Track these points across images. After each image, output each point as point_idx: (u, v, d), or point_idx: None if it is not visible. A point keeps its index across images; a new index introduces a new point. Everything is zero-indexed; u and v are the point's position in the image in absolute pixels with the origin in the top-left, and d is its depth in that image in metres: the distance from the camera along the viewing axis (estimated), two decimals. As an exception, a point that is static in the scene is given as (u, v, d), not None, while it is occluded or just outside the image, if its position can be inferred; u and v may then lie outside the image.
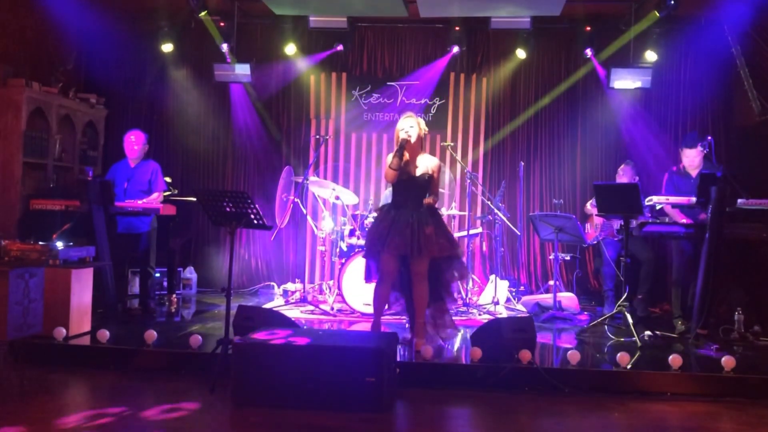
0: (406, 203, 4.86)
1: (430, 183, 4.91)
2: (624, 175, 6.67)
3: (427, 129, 5.03)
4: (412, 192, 4.87)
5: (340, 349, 3.95)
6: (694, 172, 5.83)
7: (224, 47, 7.42)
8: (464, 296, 6.67)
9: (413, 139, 4.84)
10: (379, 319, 4.96)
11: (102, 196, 5.78)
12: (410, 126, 4.85)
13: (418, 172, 4.86)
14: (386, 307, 5.19)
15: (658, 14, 6.86)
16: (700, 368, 4.62)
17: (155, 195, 6.14)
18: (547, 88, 7.90)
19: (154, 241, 6.22)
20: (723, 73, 7.31)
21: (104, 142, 7.97)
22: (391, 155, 4.86)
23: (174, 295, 6.52)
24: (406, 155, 4.84)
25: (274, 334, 4.24)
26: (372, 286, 5.16)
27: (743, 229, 5.38)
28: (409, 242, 4.71)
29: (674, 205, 5.69)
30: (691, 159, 5.84)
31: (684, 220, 5.65)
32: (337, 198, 6.94)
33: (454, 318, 5.24)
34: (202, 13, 7.24)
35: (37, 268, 4.97)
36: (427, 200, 4.91)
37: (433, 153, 7.99)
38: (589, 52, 7.38)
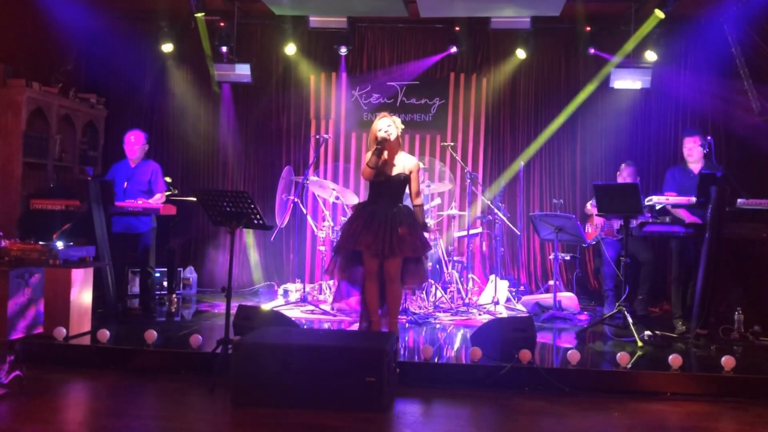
0: (382, 202, 4.86)
1: (406, 182, 4.91)
2: (624, 175, 6.66)
3: (402, 126, 5.02)
4: (389, 191, 4.88)
5: (340, 349, 3.95)
6: (695, 167, 5.81)
7: (223, 50, 7.46)
8: (464, 296, 6.69)
9: (392, 138, 4.85)
10: (377, 317, 4.93)
11: (102, 196, 5.78)
12: (387, 125, 4.85)
13: (395, 172, 4.87)
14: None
15: (663, 14, 6.84)
16: (700, 368, 4.63)
17: (158, 196, 6.12)
18: (546, 88, 7.91)
19: (154, 241, 6.21)
20: (723, 73, 7.30)
21: (104, 142, 7.98)
22: (369, 153, 4.84)
23: (174, 295, 6.52)
24: (385, 154, 4.84)
25: (274, 334, 4.24)
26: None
27: (743, 228, 5.38)
28: (381, 241, 4.70)
29: (674, 206, 5.68)
30: (690, 149, 5.83)
31: (688, 219, 5.62)
32: (337, 198, 6.93)
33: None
34: (199, 15, 7.24)
35: (37, 268, 4.98)
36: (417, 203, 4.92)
37: (432, 153, 8.02)
38: (592, 50, 7.40)
